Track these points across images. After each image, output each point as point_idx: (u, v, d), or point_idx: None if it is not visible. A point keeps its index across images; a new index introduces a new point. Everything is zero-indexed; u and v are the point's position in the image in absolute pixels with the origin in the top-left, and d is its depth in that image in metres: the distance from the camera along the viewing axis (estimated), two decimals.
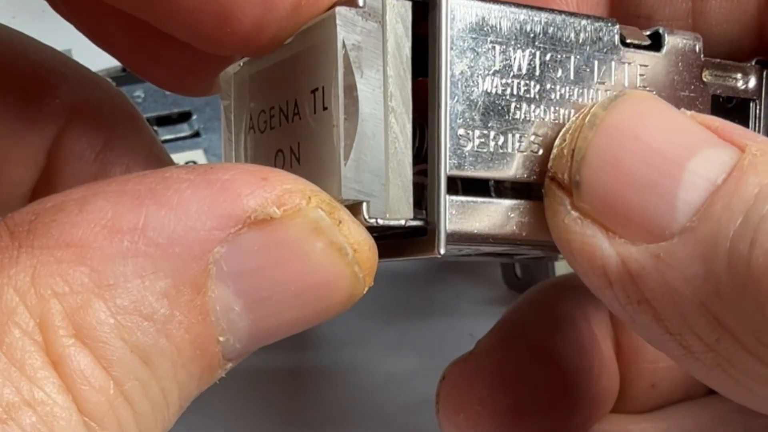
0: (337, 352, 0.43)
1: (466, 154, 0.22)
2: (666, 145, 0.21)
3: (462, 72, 0.22)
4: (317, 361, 0.43)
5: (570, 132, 0.22)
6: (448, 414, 0.30)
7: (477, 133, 0.22)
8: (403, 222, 0.22)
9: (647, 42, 0.24)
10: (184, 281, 0.19)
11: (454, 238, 0.22)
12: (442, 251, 0.22)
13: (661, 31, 0.24)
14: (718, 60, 0.25)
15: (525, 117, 0.23)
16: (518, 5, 0.23)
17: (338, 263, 0.20)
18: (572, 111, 0.23)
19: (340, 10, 0.21)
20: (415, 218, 0.22)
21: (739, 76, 0.26)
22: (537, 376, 0.30)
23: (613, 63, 0.24)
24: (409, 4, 0.22)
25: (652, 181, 0.21)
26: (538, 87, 0.23)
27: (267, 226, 0.19)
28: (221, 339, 0.19)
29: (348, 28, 0.21)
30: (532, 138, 0.23)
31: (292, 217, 0.19)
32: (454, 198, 0.22)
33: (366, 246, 0.20)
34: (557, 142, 0.23)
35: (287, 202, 0.19)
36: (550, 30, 0.23)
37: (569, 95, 0.23)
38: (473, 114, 0.22)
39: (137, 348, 0.18)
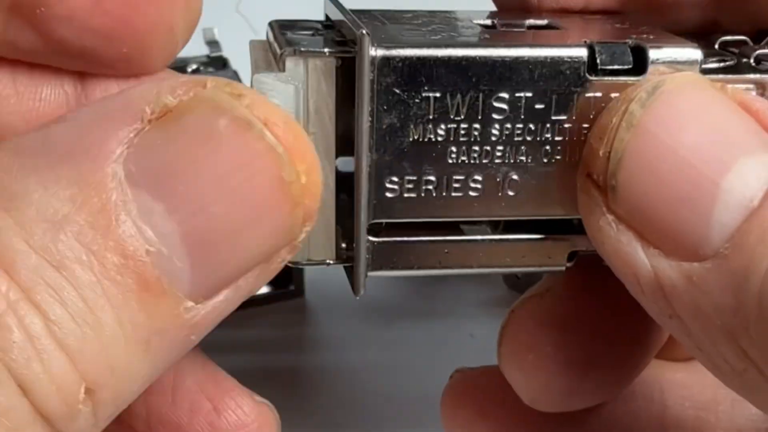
0: (337, 352, 0.43)
1: (395, 200, 0.22)
2: (702, 157, 0.20)
3: (391, 124, 0.22)
4: (317, 362, 0.43)
5: (607, 131, 0.21)
6: (513, 351, 0.28)
7: (408, 179, 0.22)
8: (326, 263, 0.23)
9: (628, 65, 0.22)
10: (89, 185, 0.18)
11: (376, 278, 0.23)
12: (360, 293, 0.23)
13: (645, 47, 0.23)
14: (723, 74, 0.24)
15: (464, 161, 0.23)
16: (464, 45, 0.22)
17: (247, 138, 0.19)
18: (525, 149, 0.23)
19: (258, 77, 0.21)
20: (337, 260, 0.23)
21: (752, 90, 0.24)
22: (612, 328, 0.28)
23: (576, 96, 0.22)
24: (332, 62, 0.22)
25: (688, 197, 0.20)
26: (480, 130, 0.22)
27: (167, 119, 0.18)
28: (150, 249, 0.18)
29: (267, 93, 0.22)
30: (473, 179, 0.23)
31: (189, 102, 0.19)
32: (378, 240, 0.23)
33: (279, 119, 0.19)
34: (591, 139, 0.22)
35: (182, 92, 0.19)
36: (498, 71, 0.22)
37: (519, 136, 0.23)
38: (403, 163, 0.22)
39: (45, 251, 0.17)
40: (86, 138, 0.18)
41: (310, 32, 0.24)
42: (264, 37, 0.26)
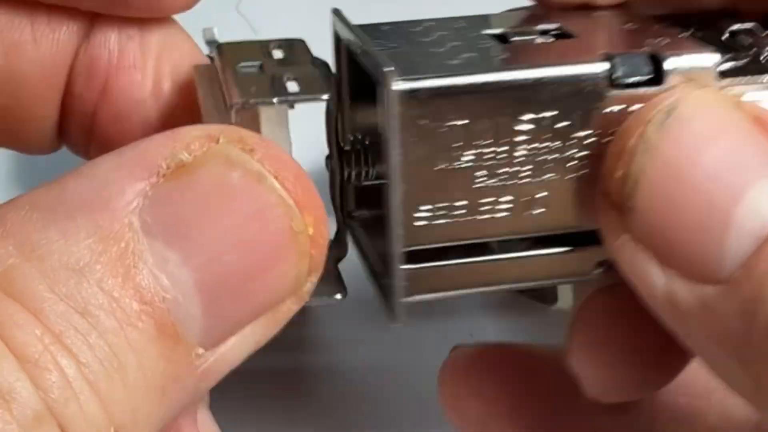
0: (337, 352, 0.43)
1: (426, 228, 0.23)
2: (717, 182, 0.20)
3: (418, 155, 0.22)
4: (317, 362, 0.43)
5: (624, 153, 0.21)
6: (586, 346, 0.28)
7: (438, 207, 0.23)
8: (327, 301, 0.23)
9: (647, 76, 0.22)
10: (108, 235, 0.18)
11: (414, 303, 0.23)
12: (398, 321, 0.23)
13: (662, 56, 0.22)
14: (740, 77, 0.23)
15: (492, 183, 0.23)
16: (486, 70, 0.22)
17: (259, 189, 0.19)
18: (550, 166, 0.23)
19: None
20: (333, 295, 0.23)
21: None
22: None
23: (598, 111, 0.22)
24: (284, 108, 0.22)
25: (702, 222, 0.20)
26: (506, 152, 0.22)
27: (181, 172, 0.19)
28: (166, 296, 0.19)
29: None
30: (502, 200, 0.23)
31: (203, 157, 0.19)
32: (412, 267, 0.23)
33: (289, 173, 0.20)
34: (608, 160, 0.22)
35: (196, 147, 0.19)
36: (521, 94, 0.22)
37: (544, 154, 0.23)
38: (433, 191, 0.22)
39: (69, 298, 0.18)
40: (103, 190, 0.19)
41: (257, 63, 0.24)
42: (241, 42, 0.26)
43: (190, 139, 0.19)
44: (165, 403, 0.19)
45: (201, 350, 0.19)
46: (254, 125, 0.22)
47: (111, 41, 0.26)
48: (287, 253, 0.20)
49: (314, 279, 0.21)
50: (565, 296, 0.44)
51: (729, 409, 0.30)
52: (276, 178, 0.19)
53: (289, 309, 0.21)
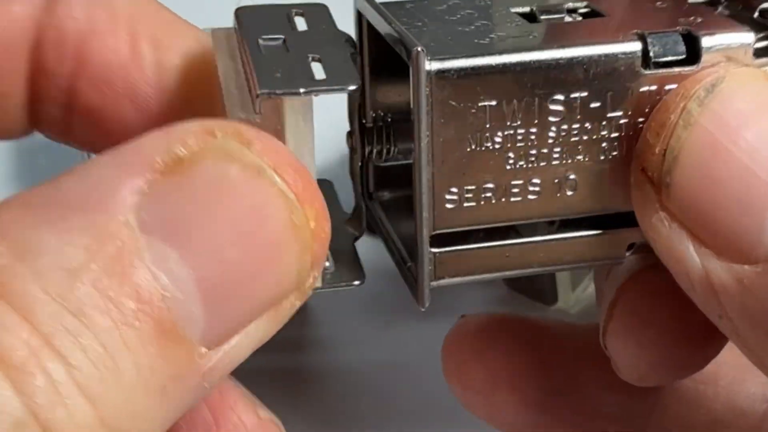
0: (337, 352, 0.43)
1: (455, 211, 0.22)
2: (758, 159, 0.20)
3: (448, 137, 0.22)
4: (317, 362, 0.43)
5: (664, 127, 0.21)
6: (629, 326, 0.27)
7: (467, 189, 0.22)
8: (347, 286, 0.23)
9: (681, 56, 0.22)
10: (103, 234, 0.18)
11: (440, 287, 0.23)
12: (425, 305, 0.23)
13: (697, 35, 0.22)
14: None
15: (522, 165, 0.22)
16: (516, 49, 0.22)
17: (259, 183, 0.19)
18: (581, 148, 0.22)
19: (236, 117, 0.21)
20: (351, 282, 0.23)
21: None
22: None
23: (631, 91, 0.22)
24: (309, 98, 0.21)
25: (742, 199, 0.20)
26: (536, 133, 0.22)
27: (178, 167, 0.19)
28: (166, 294, 0.18)
29: None
30: (532, 183, 0.23)
31: (200, 152, 0.19)
32: (440, 250, 0.23)
33: (289, 165, 0.19)
34: (648, 135, 0.22)
35: (193, 142, 0.19)
36: (553, 74, 0.22)
37: (575, 136, 0.22)
38: (462, 173, 0.22)
39: (62, 298, 0.17)
40: (98, 189, 0.18)
41: (280, 37, 0.23)
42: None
43: (186, 134, 0.19)
44: (166, 403, 0.18)
45: (204, 349, 0.19)
46: (277, 114, 0.21)
47: (76, 10, 0.25)
48: (289, 247, 0.19)
49: (317, 273, 0.20)
50: (565, 296, 0.44)
51: (735, 397, 0.30)
52: (275, 171, 0.19)
53: (292, 305, 0.20)
